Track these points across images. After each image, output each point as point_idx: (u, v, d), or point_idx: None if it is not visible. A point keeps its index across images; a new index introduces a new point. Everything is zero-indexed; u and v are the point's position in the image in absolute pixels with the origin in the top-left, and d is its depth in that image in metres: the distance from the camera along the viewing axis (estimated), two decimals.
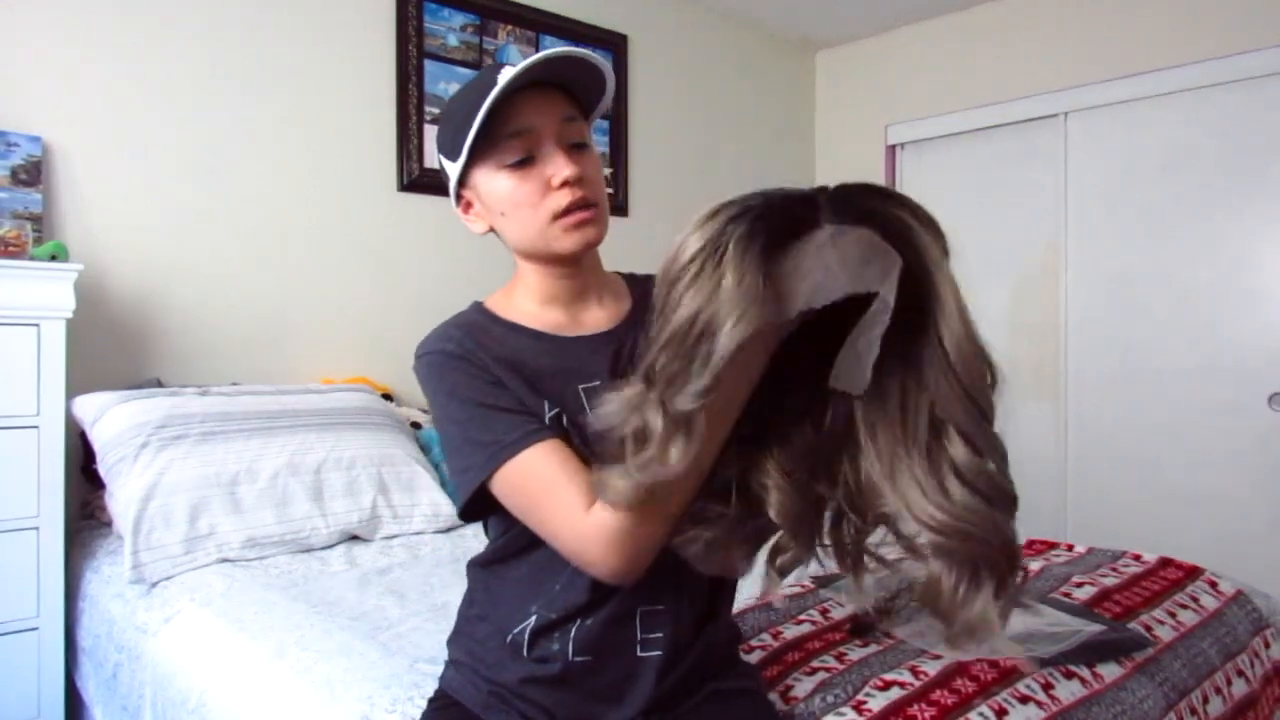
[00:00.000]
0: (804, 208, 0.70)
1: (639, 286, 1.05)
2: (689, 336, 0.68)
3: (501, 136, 0.92)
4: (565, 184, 0.92)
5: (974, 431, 0.69)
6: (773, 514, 0.78)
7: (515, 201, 0.94)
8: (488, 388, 0.91)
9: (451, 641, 1.06)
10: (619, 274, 1.09)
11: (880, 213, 0.70)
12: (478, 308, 1.02)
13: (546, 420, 0.90)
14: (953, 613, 0.70)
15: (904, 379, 0.71)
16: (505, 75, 0.89)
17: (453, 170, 0.98)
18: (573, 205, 0.92)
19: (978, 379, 0.70)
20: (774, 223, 0.69)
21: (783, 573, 0.82)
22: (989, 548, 0.68)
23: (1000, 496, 0.70)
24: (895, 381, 0.71)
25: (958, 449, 0.69)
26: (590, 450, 0.87)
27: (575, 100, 0.97)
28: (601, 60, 0.93)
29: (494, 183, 0.95)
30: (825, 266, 0.68)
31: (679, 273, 0.69)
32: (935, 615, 0.72)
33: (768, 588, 0.82)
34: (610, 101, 0.99)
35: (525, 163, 0.93)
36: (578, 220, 0.93)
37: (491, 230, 1.00)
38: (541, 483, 0.86)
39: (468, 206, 1.01)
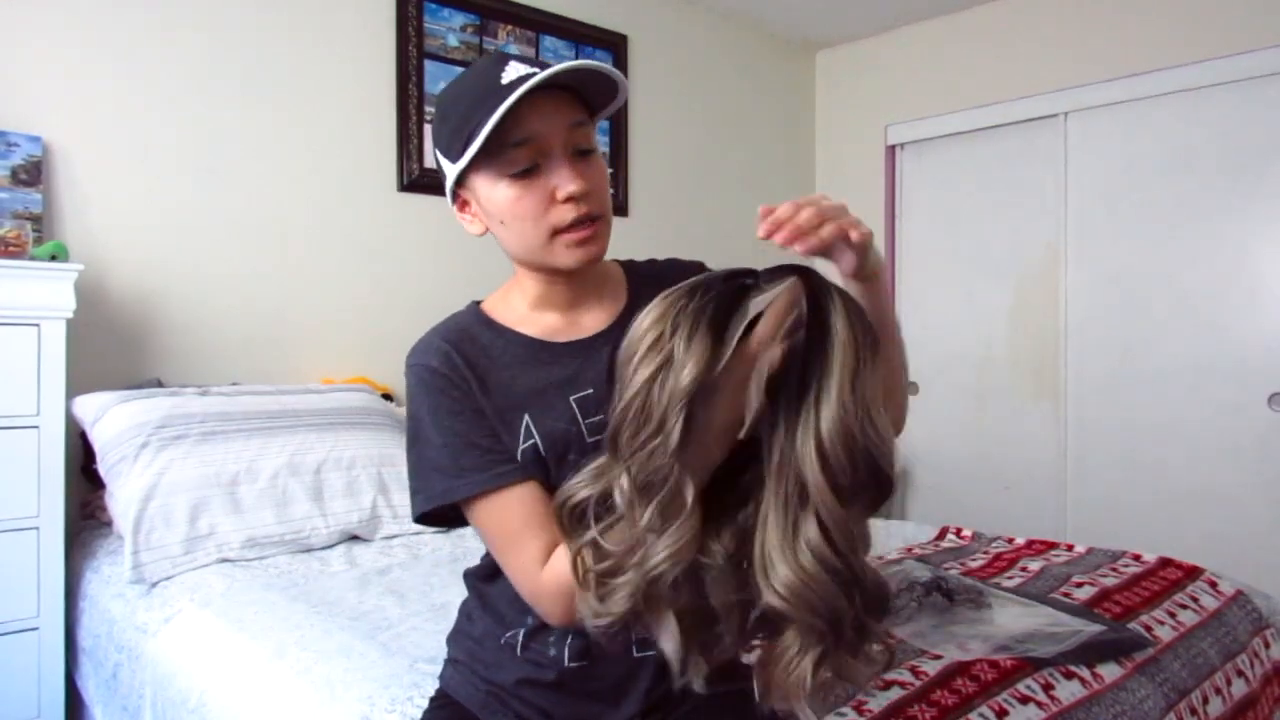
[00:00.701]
0: (745, 278, 0.75)
1: (637, 276, 1.04)
2: (648, 403, 0.70)
3: (506, 144, 0.87)
4: (570, 199, 0.88)
5: (825, 510, 0.68)
6: (709, 593, 0.75)
7: (516, 213, 0.90)
8: (467, 417, 0.90)
9: (451, 640, 1.06)
10: (617, 262, 1.06)
11: (807, 275, 0.75)
12: (473, 310, 1.00)
13: (520, 453, 0.90)
14: (779, 675, 0.71)
15: (784, 443, 0.70)
16: (511, 72, 0.86)
17: (450, 170, 0.93)
18: (576, 221, 0.89)
19: (842, 465, 0.68)
20: (720, 291, 0.73)
21: (708, 662, 0.77)
22: (820, 619, 0.69)
23: (839, 577, 0.69)
24: (778, 443, 0.71)
25: (810, 525, 0.69)
26: (580, 461, 0.85)
27: (583, 102, 0.93)
28: (617, 73, 0.89)
29: (495, 190, 0.91)
30: (756, 308, 0.73)
31: (634, 347, 0.72)
32: (760, 674, 0.74)
33: (689, 672, 0.77)
34: (621, 104, 0.96)
35: (529, 172, 0.89)
36: (580, 237, 0.90)
37: (488, 232, 0.97)
38: (501, 531, 0.87)
39: (464, 205, 0.97)
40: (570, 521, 0.77)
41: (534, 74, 0.86)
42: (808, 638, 0.70)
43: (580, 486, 0.76)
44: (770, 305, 0.73)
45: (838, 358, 0.70)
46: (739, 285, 0.75)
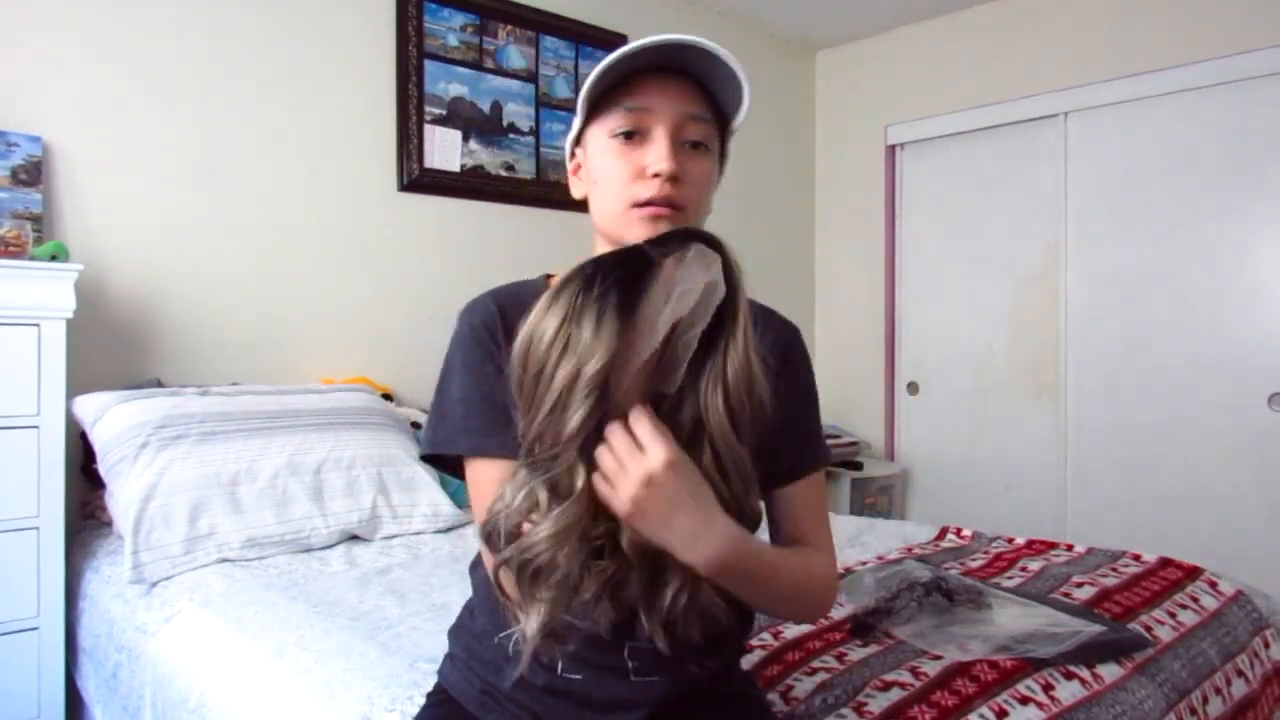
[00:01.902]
0: (636, 256, 0.76)
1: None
2: (564, 403, 0.71)
3: (621, 105, 0.91)
4: (657, 176, 0.89)
5: (721, 443, 0.77)
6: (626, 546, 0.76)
7: (608, 174, 0.92)
8: (490, 379, 0.90)
9: (451, 634, 1.06)
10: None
11: (697, 234, 0.78)
12: (540, 279, 1.01)
13: None
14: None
15: (688, 389, 0.76)
16: (648, 40, 0.89)
17: (575, 124, 0.97)
18: (655, 199, 0.90)
19: (742, 396, 0.77)
20: (617, 276, 0.73)
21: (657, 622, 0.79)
22: None
23: (725, 503, 0.77)
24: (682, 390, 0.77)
25: (706, 455, 0.77)
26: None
27: (715, 106, 0.94)
28: (735, 65, 0.89)
29: (598, 147, 0.94)
30: (680, 281, 0.74)
31: (544, 355, 0.72)
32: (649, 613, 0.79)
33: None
34: (745, 115, 0.95)
35: (631, 137, 0.91)
36: (654, 214, 0.90)
37: (585, 198, 0.99)
38: (481, 497, 0.89)
39: (577, 168, 1.00)
40: (498, 544, 0.77)
41: (666, 38, 0.89)
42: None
43: (502, 507, 0.76)
44: (689, 290, 0.74)
45: (741, 312, 0.76)
46: (637, 261, 0.75)
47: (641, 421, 0.74)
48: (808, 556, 0.93)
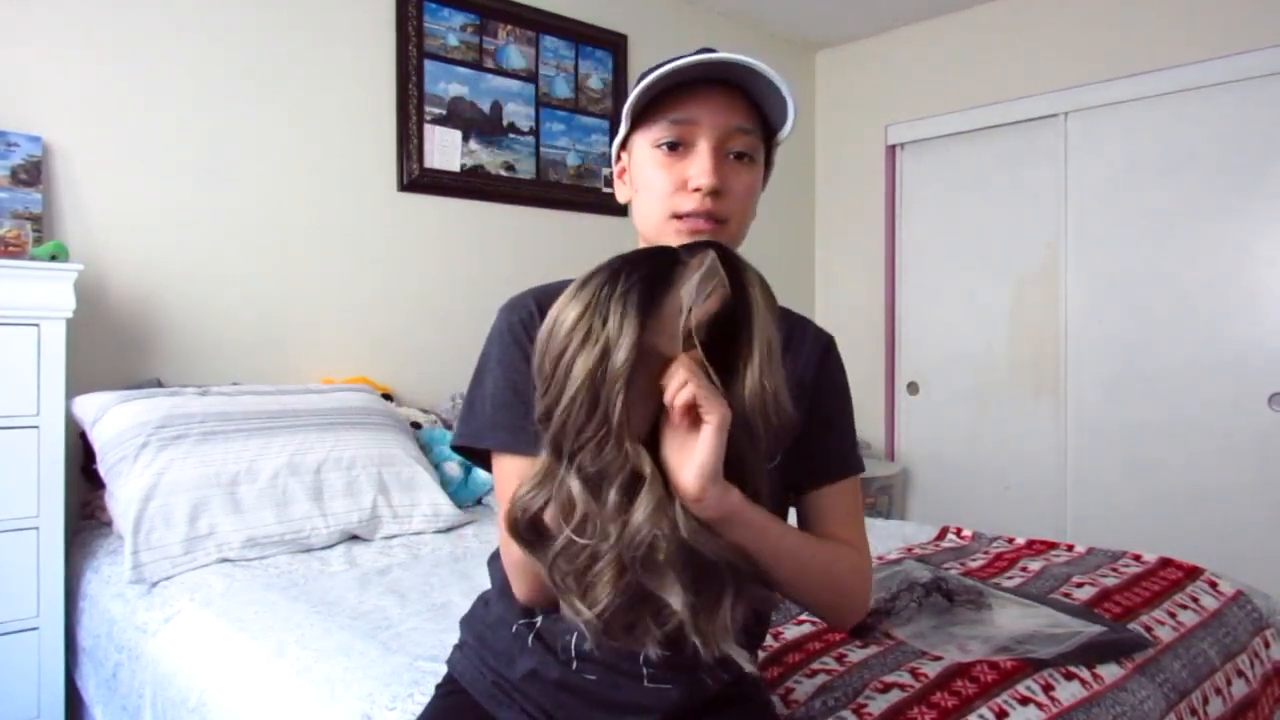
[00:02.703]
0: (665, 256, 0.77)
1: None
2: (592, 397, 0.71)
3: (667, 116, 0.91)
4: (698, 189, 0.90)
5: (743, 453, 0.76)
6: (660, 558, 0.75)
7: (650, 184, 0.93)
8: (522, 376, 0.91)
9: (463, 623, 1.06)
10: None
11: (727, 252, 0.78)
12: None
13: None
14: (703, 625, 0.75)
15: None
16: (699, 57, 0.89)
17: (621, 131, 0.98)
18: (696, 213, 0.90)
19: (756, 424, 0.76)
20: (643, 273, 0.74)
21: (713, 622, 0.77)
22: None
23: None
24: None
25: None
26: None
27: (762, 118, 0.94)
28: (779, 80, 0.89)
29: (642, 156, 0.94)
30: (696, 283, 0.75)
31: (564, 342, 0.72)
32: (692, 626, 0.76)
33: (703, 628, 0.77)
34: (791, 128, 0.95)
35: (675, 149, 0.92)
36: (693, 228, 0.91)
37: (629, 202, 0.99)
38: (504, 492, 0.88)
39: (622, 172, 1.01)
40: (529, 534, 0.77)
41: (715, 56, 0.89)
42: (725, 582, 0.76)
43: (531, 498, 0.76)
44: (692, 280, 0.75)
45: (758, 338, 0.75)
46: (665, 261, 0.76)
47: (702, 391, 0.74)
48: (835, 546, 0.93)
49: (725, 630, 0.76)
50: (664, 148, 0.92)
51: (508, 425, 0.90)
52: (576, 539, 0.74)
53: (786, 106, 0.92)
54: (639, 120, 0.95)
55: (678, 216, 0.91)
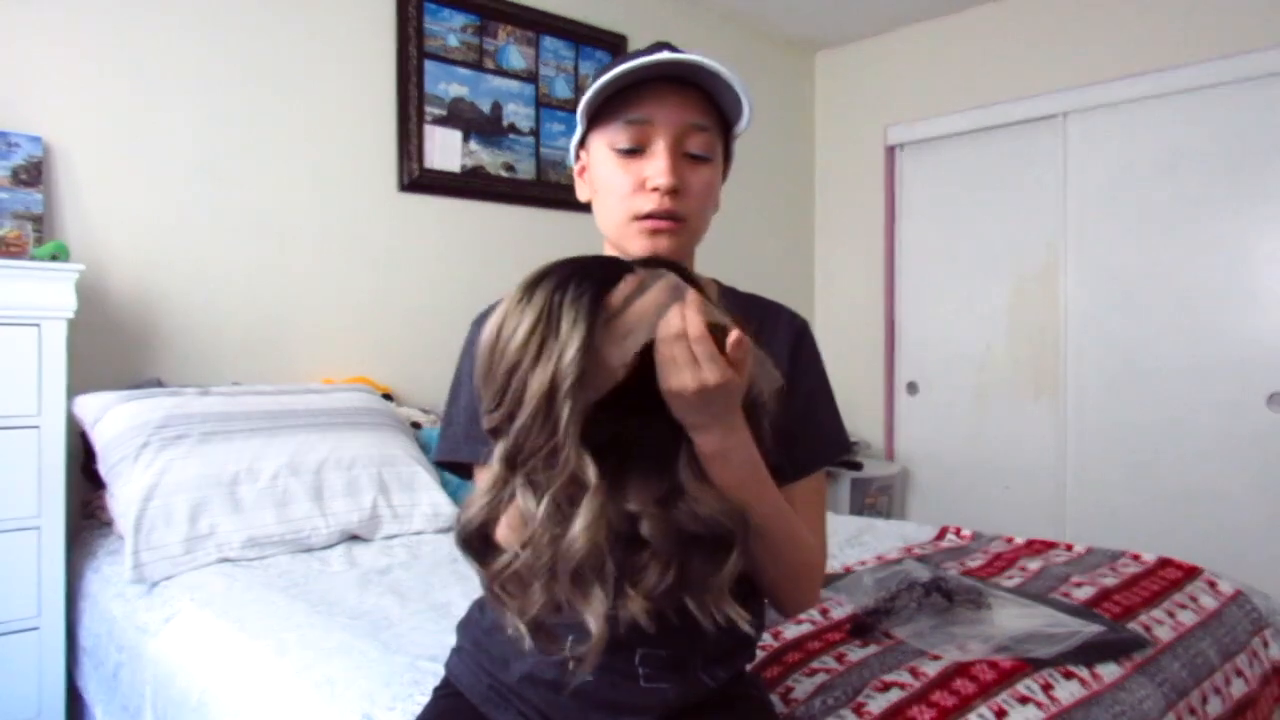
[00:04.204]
0: (616, 267, 0.76)
1: (730, 302, 1.01)
2: (547, 408, 0.69)
3: (621, 118, 0.91)
4: (656, 190, 0.90)
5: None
6: (646, 534, 0.76)
7: (609, 186, 0.93)
8: None
9: (460, 627, 1.06)
10: (715, 282, 1.05)
11: (681, 269, 0.79)
12: None
13: None
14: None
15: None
16: (658, 56, 0.88)
17: (578, 132, 0.98)
18: (656, 213, 0.91)
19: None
20: (595, 279, 0.73)
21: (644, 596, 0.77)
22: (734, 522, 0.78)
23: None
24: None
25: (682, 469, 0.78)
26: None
27: (718, 113, 0.94)
28: (732, 77, 0.89)
29: (601, 159, 0.94)
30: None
31: (518, 354, 0.71)
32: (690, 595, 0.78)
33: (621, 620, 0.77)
34: (748, 123, 0.95)
35: (633, 153, 0.91)
36: (653, 228, 0.91)
37: (590, 201, 0.99)
38: None
39: (583, 170, 1.00)
40: (479, 546, 0.76)
41: (667, 56, 0.88)
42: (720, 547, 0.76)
43: (482, 511, 0.75)
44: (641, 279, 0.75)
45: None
46: (615, 273, 0.75)
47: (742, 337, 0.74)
48: (807, 535, 0.94)
49: (721, 593, 0.76)
50: (620, 152, 0.92)
51: (482, 437, 0.89)
52: (522, 551, 0.73)
53: (741, 101, 0.92)
54: (595, 120, 0.94)
55: (638, 218, 0.92)
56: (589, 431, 0.72)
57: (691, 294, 0.74)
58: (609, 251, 0.98)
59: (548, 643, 0.77)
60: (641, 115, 0.91)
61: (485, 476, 0.76)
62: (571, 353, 0.69)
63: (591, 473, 0.71)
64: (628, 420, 0.76)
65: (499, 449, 0.73)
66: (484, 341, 0.74)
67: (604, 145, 0.93)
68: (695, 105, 0.92)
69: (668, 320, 0.73)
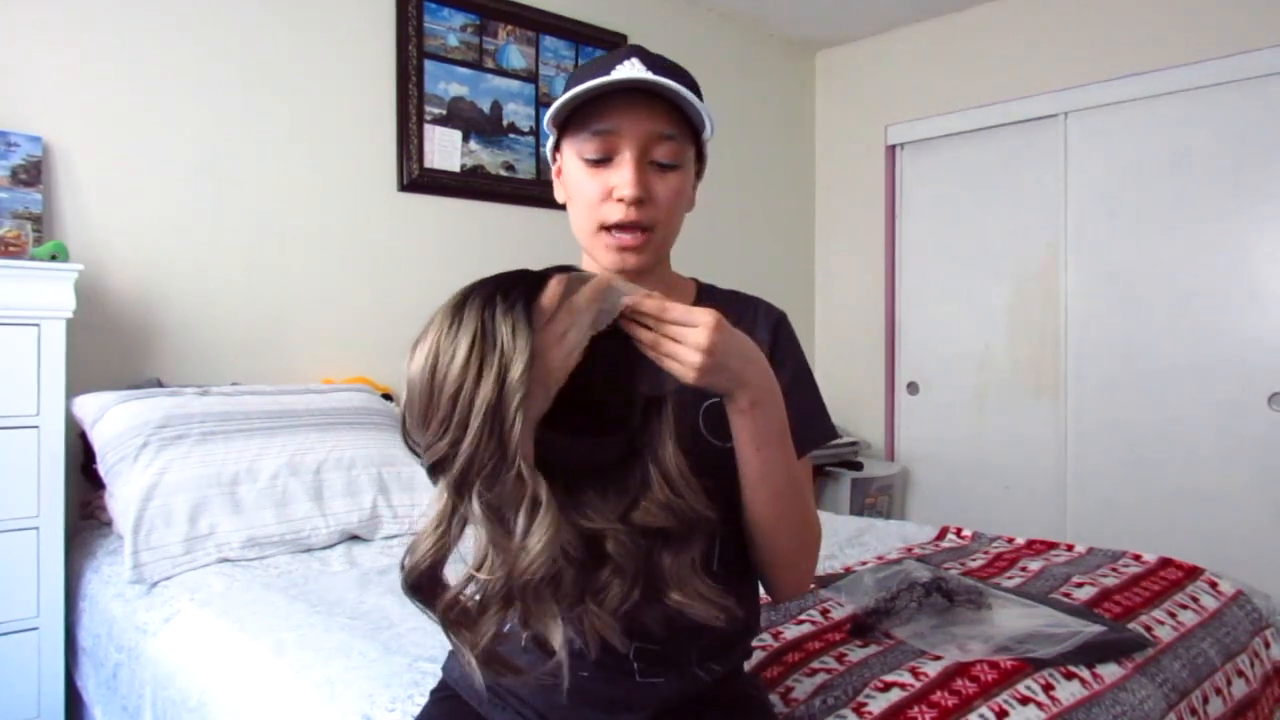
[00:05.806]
0: (535, 277, 0.76)
1: (710, 300, 1.02)
2: (493, 422, 0.68)
3: (589, 128, 0.92)
4: (622, 200, 0.91)
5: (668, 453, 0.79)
6: (612, 551, 0.75)
7: (579, 193, 0.94)
8: None
9: None
10: (695, 281, 1.06)
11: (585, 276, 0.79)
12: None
13: None
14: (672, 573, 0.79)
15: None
16: (625, 69, 0.89)
17: (552, 135, 0.99)
18: (622, 224, 0.91)
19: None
20: (521, 289, 0.73)
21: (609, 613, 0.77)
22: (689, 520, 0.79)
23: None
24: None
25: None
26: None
27: (686, 122, 0.94)
28: (689, 96, 0.89)
29: (571, 167, 0.95)
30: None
31: (460, 377, 0.69)
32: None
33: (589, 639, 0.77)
34: (711, 133, 0.97)
35: (602, 162, 0.92)
36: (620, 243, 0.92)
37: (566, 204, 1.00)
38: None
39: (559, 171, 1.01)
40: (428, 585, 0.75)
41: (633, 77, 0.89)
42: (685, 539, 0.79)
43: (429, 552, 0.73)
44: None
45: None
46: (536, 278, 0.75)
47: (673, 306, 0.76)
48: (815, 513, 0.96)
49: (692, 573, 0.78)
50: (589, 162, 0.93)
51: None
52: (476, 573, 0.72)
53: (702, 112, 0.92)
54: (565, 127, 0.95)
55: (605, 229, 0.92)
56: (538, 452, 0.72)
57: (625, 283, 0.76)
58: (585, 257, 0.99)
59: (501, 672, 0.75)
60: (608, 126, 0.91)
61: (431, 515, 0.74)
62: (522, 361, 0.69)
63: (543, 486, 0.70)
64: (576, 443, 0.76)
65: (445, 481, 0.71)
66: (417, 378, 0.71)
67: (574, 155, 0.94)
68: (662, 114, 0.92)
69: (635, 332, 0.77)
